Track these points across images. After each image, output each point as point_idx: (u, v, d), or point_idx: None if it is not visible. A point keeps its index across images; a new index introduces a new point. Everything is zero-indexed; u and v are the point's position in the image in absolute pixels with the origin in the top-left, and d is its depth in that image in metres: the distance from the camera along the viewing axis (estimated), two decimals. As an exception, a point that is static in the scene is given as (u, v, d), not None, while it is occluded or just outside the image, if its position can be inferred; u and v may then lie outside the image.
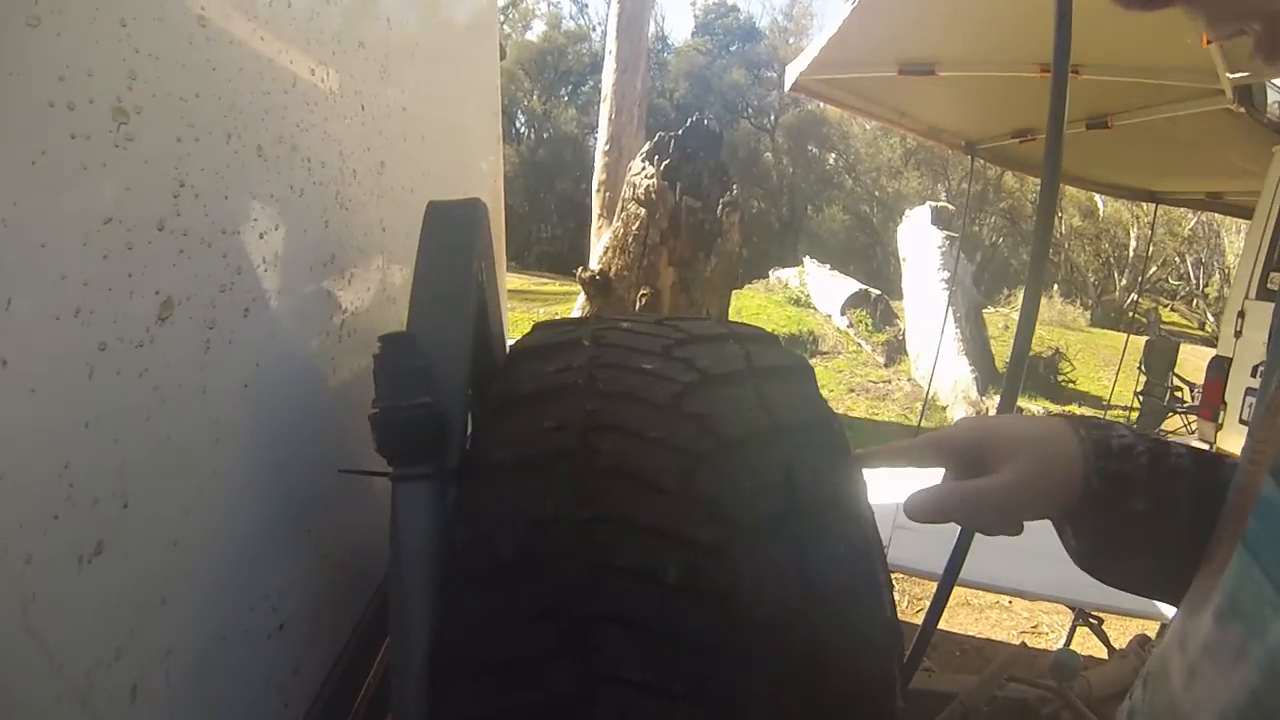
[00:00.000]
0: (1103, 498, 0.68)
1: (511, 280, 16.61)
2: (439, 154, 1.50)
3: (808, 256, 15.73)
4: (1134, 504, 0.68)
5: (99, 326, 0.60)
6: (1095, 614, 3.25)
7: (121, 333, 0.62)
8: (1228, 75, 3.49)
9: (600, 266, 5.84)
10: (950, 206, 11.75)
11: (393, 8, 1.24)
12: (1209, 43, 3.19)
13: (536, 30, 29.62)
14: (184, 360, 0.71)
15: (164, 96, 0.68)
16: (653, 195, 5.35)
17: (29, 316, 0.53)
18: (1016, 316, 2.22)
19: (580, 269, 6.03)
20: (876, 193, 26.66)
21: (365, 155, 1.12)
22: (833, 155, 28.29)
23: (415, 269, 0.89)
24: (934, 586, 2.40)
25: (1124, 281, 21.28)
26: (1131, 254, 20.57)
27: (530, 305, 12.45)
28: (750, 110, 28.52)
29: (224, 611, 0.79)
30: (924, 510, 0.70)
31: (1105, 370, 11.42)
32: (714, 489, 0.71)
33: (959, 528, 2.31)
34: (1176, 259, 20.12)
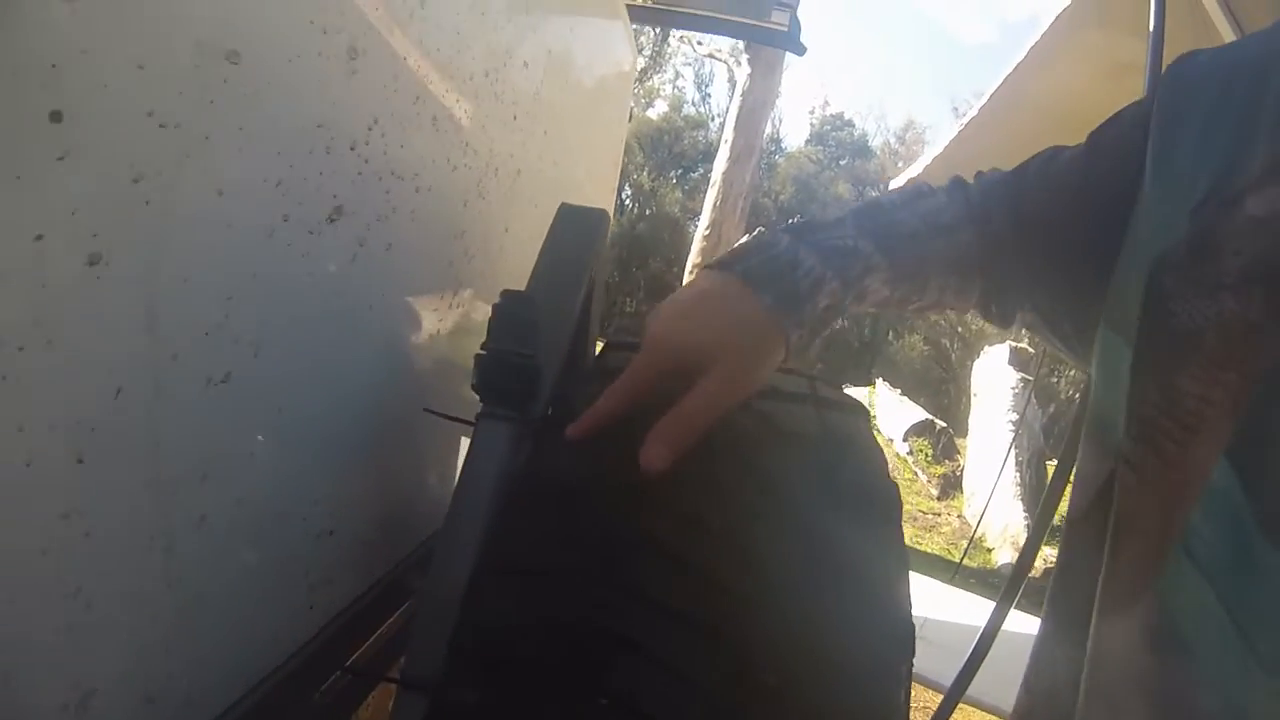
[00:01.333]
0: (808, 337, 0.69)
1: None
2: (566, 181, 1.65)
3: (880, 379, 15.67)
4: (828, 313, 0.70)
5: (286, 202, 0.73)
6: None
7: (302, 216, 0.76)
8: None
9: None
10: (1030, 349, 11.65)
11: (553, 43, 1.40)
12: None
13: (658, 109, 30.25)
14: (338, 258, 0.84)
15: (383, 48, 0.83)
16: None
17: (239, 174, 0.67)
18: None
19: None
20: (959, 329, 26.51)
21: (509, 160, 1.27)
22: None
23: (541, 251, 1.01)
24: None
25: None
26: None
27: (600, 370, 12.54)
28: (850, 226, 28.63)
29: (276, 509, 0.85)
30: (664, 449, 0.64)
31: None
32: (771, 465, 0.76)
33: (973, 647, 2.35)
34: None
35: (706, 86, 31.48)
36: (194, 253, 0.63)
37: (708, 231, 9.55)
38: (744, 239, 0.79)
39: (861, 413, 0.94)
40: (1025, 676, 0.80)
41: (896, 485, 0.80)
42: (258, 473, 0.79)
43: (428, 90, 0.95)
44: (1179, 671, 0.51)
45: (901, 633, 0.72)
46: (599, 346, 1.04)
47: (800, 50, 2.98)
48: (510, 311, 0.87)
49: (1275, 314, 0.48)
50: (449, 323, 1.17)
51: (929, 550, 9.24)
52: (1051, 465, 10.36)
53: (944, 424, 12.46)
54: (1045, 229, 0.74)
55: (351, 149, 0.82)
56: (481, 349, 0.87)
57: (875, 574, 0.75)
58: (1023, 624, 4.04)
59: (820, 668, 0.66)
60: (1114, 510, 0.58)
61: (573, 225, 1.05)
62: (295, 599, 0.92)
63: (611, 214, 2.36)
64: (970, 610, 3.74)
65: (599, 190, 2.09)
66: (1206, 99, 0.59)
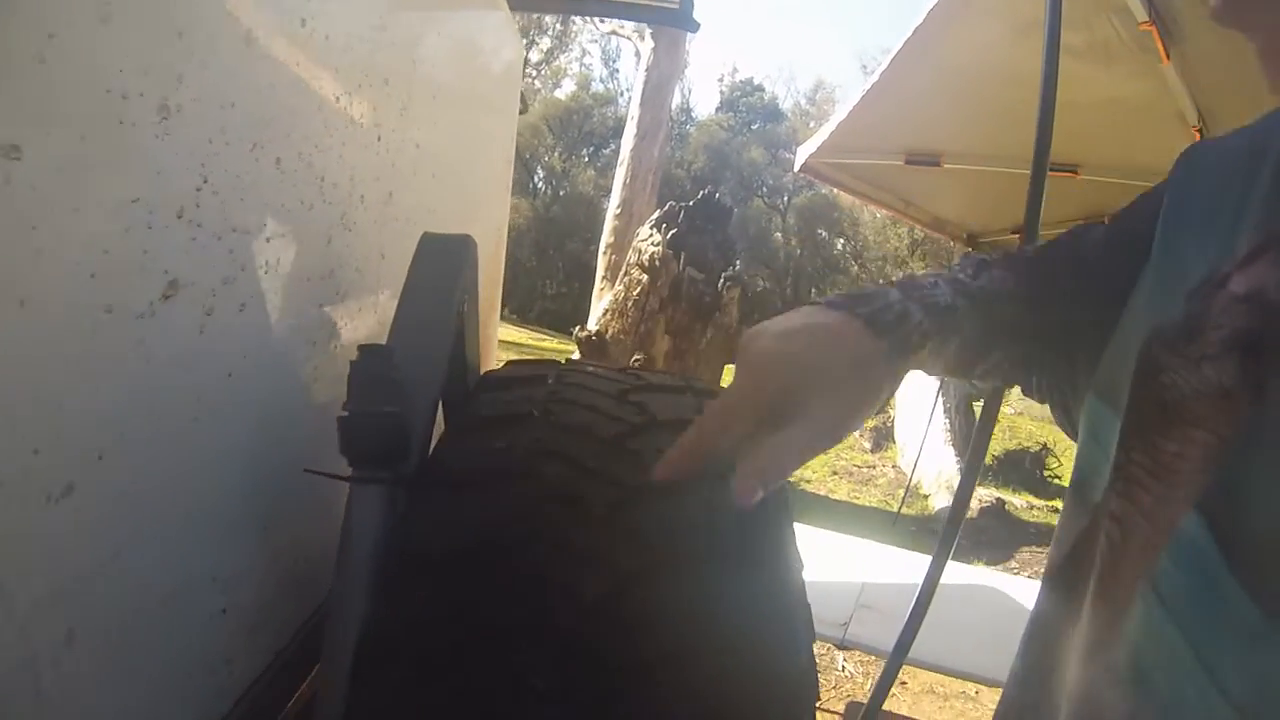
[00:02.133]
0: (902, 371, 0.68)
1: (511, 333, 16.69)
2: (447, 193, 1.58)
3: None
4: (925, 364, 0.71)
5: (108, 291, 0.66)
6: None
7: (129, 301, 0.69)
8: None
9: (598, 328, 5.92)
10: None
11: (420, 51, 1.32)
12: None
13: (566, 89, 30.14)
14: (179, 337, 0.78)
15: (202, 101, 0.76)
16: (656, 263, 5.45)
17: (48, 270, 0.60)
18: (1010, 410, 2.30)
19: (578, 328, 6.11)
20: (881, 280, 26.81)
21: (375, 184, 1.19)
22: (841, 240, 28.61)
23: (402, 291, 0.96)
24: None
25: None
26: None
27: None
28: (765, 189, 28.92)
29: (170, 582, 0.82)
30: (755, 487, 0.60)
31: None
32: (639, 522, 0.76)
33: (911, 609, 2.36)
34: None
35: (614, 62, 31.44)
36: (7, 370, 0.57)
37: (618, 210, 9.47)
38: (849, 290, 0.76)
39: None
40: (995, 715, 0.83)
41: None
42: (138, 564, 0.75)
43: (265, 133, 0.87)
44: (1147, 709, 0.54)
45: (793, 603, 0.78)
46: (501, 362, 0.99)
47: (693, 27, 2.94)
48: (368, 369, 0.81)
49: (1246, 380, 0.52)
50: (329, 370, 1.10)
51: (867, 503, 9.38)
52: (978, 406, 10.59)
53: (872, 378, 12.60)
54: (1063, 302, 0.77)
55: (179, 217, 0.75)
56: (343, 410, 0.81)
57: (762, 551, 0.77)
58: (962, 576, 4.11)
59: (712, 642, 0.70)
60: (1096, 562, 0.61)
61: (435, 258, 0.99)
62: (197, 685, 0.88)
63: (507, 214, 2.31)
64: (910, 568, 3.77)
65: (490, 191, 2.02)
66: (1207, 187, 0.64)
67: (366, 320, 1.23)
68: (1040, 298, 0.77)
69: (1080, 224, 0.84)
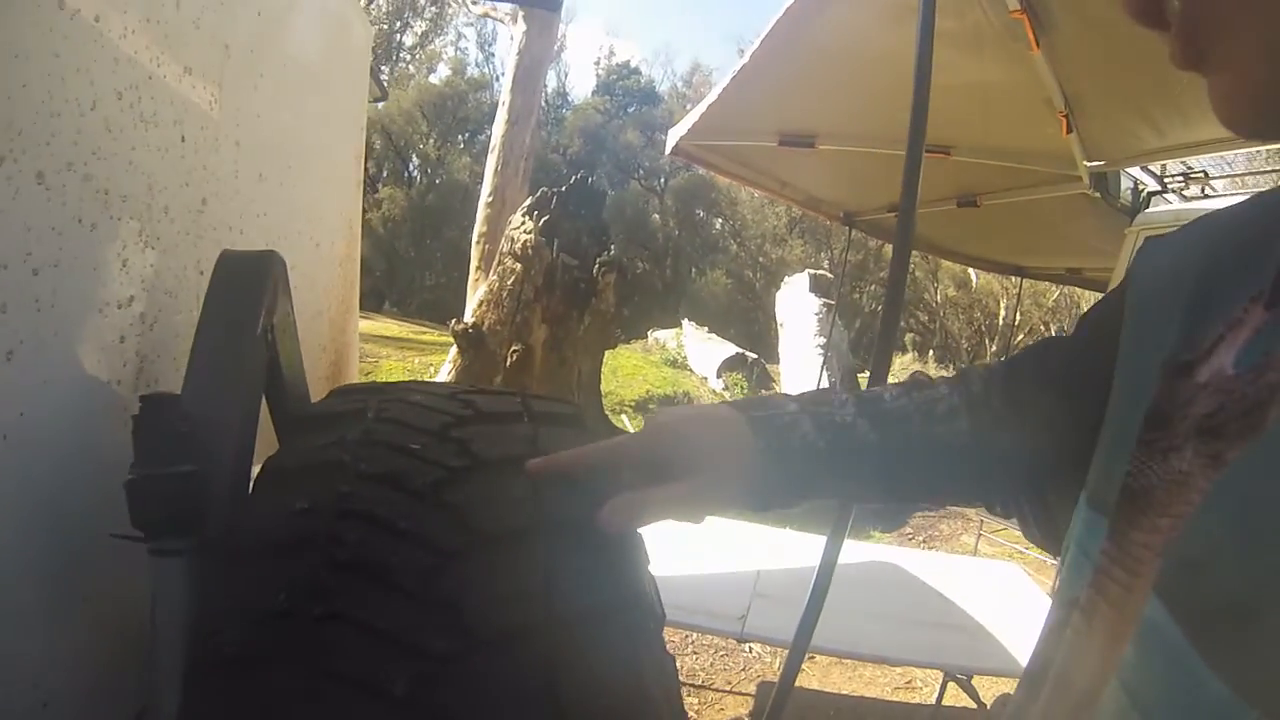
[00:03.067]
0: (781, 485, 0.77)
1: (391, 327, 16.33)
2: (280, 195, 1.42)
3: (686, 319, 15.93)
4: (819, 486, 0.80)
5: None
6: (963, 673, 3.31)
7: None
8: (1085, 163, 3.69)
9: (474, 320, 5.78)
10: (829, 274, 12.06)
11: (233, 34, 1.17)
12: (1068, 132, 3.36)
13: (440, 74, 29.59)
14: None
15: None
16: (529, 251, 5.33)
17: None
18: (890, 380, 2.28)
19: (454, 321, 5.95)
20: (760, 259, 27.28)
21: (183, 191, 1.04)
22: (719, 220, 28.93)
23: (198, 325, 0.82)
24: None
25: (994, 348, 22.29)
26: (1001, 323, 21.57)
27: (406, 354, 12.22)
28: (641, 172, 29.00)
29: None
30: (619, 519, 0.70)
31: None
32: (458, 593, 0.65)
33: (809, 596, 2.32)
34: (1041, 327, 21.18)
35: (489, 46, 31.00)
36: None
37: (490, 199, 9.27)
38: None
39: (575, 423, 0.91)
40: None
41: None
42: None
43: (18, 142, 0.72)
44: None
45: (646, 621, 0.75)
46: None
47: (554, 6, 2.84)
48: (153, 424, 0.69)
49: (1202, 465, 0.53)
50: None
51: (758, 481, 9.46)
52: (861, 378, 10.79)
53: (755, 355, 12.78)
54: (1035, 411, 0.80)
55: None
56: (130, 473, 0.68)
57: (595, 572, 0.73)
58: (858, 554, 4.12)
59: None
60: (1061, 656, 0.62)
61: (231, 281, 0.86)
62: None
63: (359, 210, 2.15)
64: (805, 551, 3.76)
65: (336, 189, 1.86)
66: (1175, 276, 0.65)
67: (187, 348, 1.08)
68: (1007, 417, 0.82)
69: (1035, 344, 0.90)
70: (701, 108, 4.27)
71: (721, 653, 4.89)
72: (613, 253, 5.44)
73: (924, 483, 0.85)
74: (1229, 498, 0.50)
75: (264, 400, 0.89)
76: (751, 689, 4.44)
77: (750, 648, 4.94)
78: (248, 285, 0.86)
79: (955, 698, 3.83)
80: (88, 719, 0.87)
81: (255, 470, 0.79)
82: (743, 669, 4.80)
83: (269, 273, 0.87)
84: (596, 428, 0.85)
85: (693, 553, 3.48)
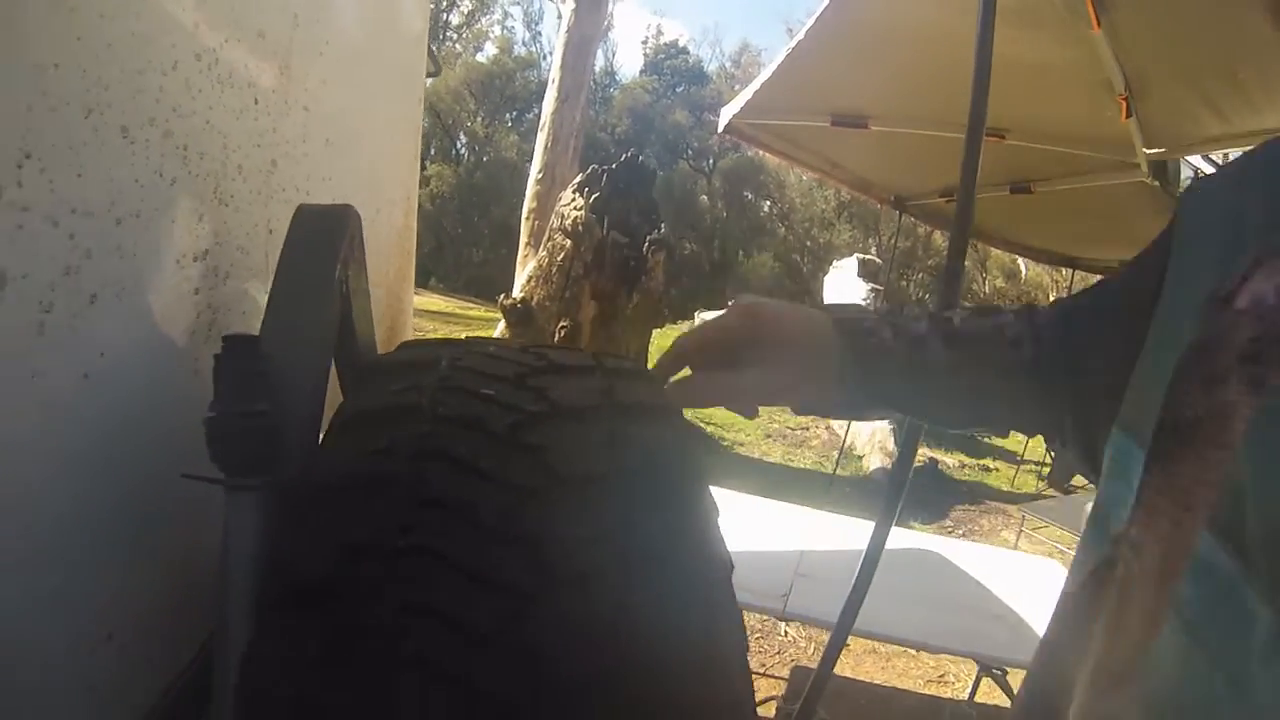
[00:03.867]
0: (853, 389, 0.80)
1: (438, 302, 16.47)
2: (344, 161, 1.46)
3: (733, 301, 15.88)
4: (889, 395, 0.82)
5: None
6: (998, 666, 3.29)
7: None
8: (1144, 150, 3.62)
9: (523, 295, 5.80)
10: (877, 260, 11.95)
11: (302, 3, 1.20)
12: (1128, 116, 3.30)
13: (487, 53, 29.68)
14: (12, 341, 0.67)
15: (15, 62, 0.64)
16: (580, 227, 5.34)
17: None
18: None
19: (503, 296, 5.99)
20: (808, 242, 27.11)
21: (255, 152, 1.07)
22: (768, 203, 28.76)
23: (275, 273, 0.85)
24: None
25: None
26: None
27: (452, 329, 12.34)
28: (690, 152, 28.88)
29: (41, 612, 0.73)
30: (682, 397, 0.79)
31: (1020, 427, 11.66)
32: (537, 532, 0.65)
33: (855, 579, 2.33)
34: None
35: (536, 25, 31.08)
36: None
37: (540, 175, 9.30)
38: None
39: (647, 378, 0.90)
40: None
41: (697, 437, 0.78)
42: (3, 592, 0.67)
43: (104, 96, 0.75)
44: None
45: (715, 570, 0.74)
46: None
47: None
48: (232, 364, 0.71)
49: (1245, 393, 0.53)
50: (210, 359, 0.99)
51: (801, 465, 9.46)
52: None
53: (802, 339, 12.69)
54: (1090, 342, 0.81)
55: (-3, 197, 0.63)
56: (209, 411, 0.71)
57: (669, 519, 0.72)
58: (899, 540, 4.11)
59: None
60: (1114, 591, 0.61)
61: (310, 232, 0.88)
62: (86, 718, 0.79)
63: (416, 182, 2.18)
64: (847, 534, 3.75)
65: (395, 159, 1.89)
66: (1215, 215, 0.66)
67: (257, 302, 1.11)
68: (1066, 348, 0.82)
69: (1096, 283, 0.89)
70: (755, 85, 4.26)
71: (758, 635, 4.91)
72: (662, 231, 5.43)
73: (985, 406, 0.87)
74: (1272, 424, 0.51)
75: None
76: (785, 673, 4.45)
77: (786, 631, 4.95)
78: (326, 236, 0.88)
79: (988, 694, 3.82)
80: (151, 651, 0.90)
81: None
82: (778, 652, 4.82)
83: (346, 226, 0.89)
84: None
85: (736, 530, 3.49)
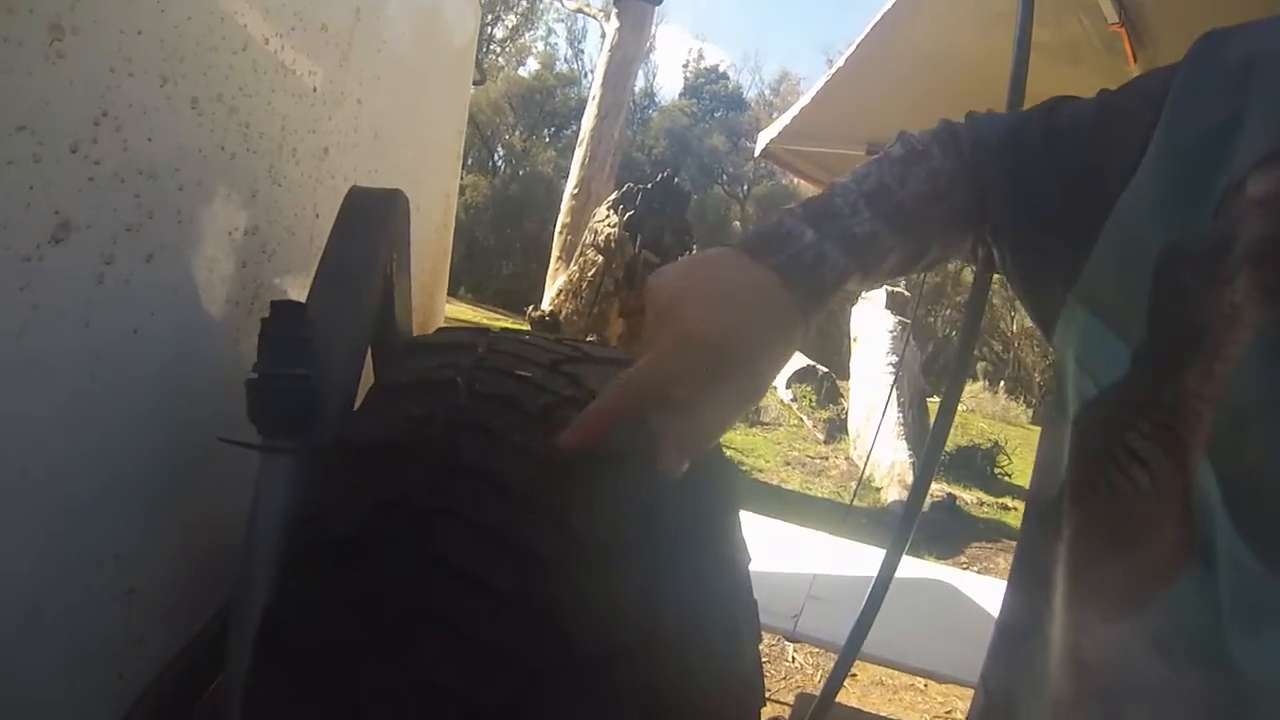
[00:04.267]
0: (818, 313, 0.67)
1: (466, 311, 16.54)
2: (391, 154, 1.50)
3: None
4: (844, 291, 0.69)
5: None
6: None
7: (10, 241, 0.61)
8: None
9: (551, 308, 5.82)
10: (906, 293, 11.92)
11: (364, 1, 1.24)
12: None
13: (530, 68, 29.90)
14: (71, 286, 0.70)
15: (103, 24, 0.68)
16: (612, 244, 5.36)
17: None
18: (962, 407, 2.27)
19: (531, 307, 6.01)
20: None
21: (309, 137, 1.11)
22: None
23: (325, 246, 0.89)
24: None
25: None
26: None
27: (481, 337, 12.37)
28: (725, 177, 28.91)
29: (64, 561, 0.76)
30: (682, 455, 0.61)
31: (1041, 470, 11.55)
32: (566, 504, 0.68)
33: (864, 602, 2.33)
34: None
35: (579, 43, 31.23)
36: None
37: (576, 190, 9.35)
38: (760, 226, 0.71)
39: None
40: (982, 674, 0.76)
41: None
42: (30, 540, 0.70)
43: (179, 67, 0.79)
44: (1199, 681, 0.48)
45: (736, 588, 0.75)
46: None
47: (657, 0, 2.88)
48: (279, 328, 0.74)
49: (1255, 298, 0.47)
50: (250, 331, 1.02)
51: (819, 494, 9.41)
52: (930, 402, 10.66)
53: (825, 369, 12.68)
54: (1041, 190, 0.70)
55: (73, 151, 0.67)
56: (252, 372, 0.74)
57: (704, 539, 0.73)
58: (913, 570, 4.10)
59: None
60: (1119, 510, 0.55)
61: (362, 213, 0.92)
62: (101, 670, 0.82)
63: (456, 185, 2.22)
64: (861, 561, 3.75)
65: (439, 158, 1.93)
66: (1225, 87, 0.56)
67: (298, 282, 1.15)
68: (997, 186, 0.73)
69: (1047, 102, 0.78)
70: (794, 110, 4.28)
71: (764, 660, 4.88)
72: (694, 253, 5.43)
73: (929, 257, 0.77)
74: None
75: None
76: (790, 699, 4.43)
77: (794, 657, 4.93)
78: (376, 216, 0.92)
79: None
80: (173, 608, 0.93)
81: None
82: (784, 678, 4.78)
83: (395, 209, 0.93)
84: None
85: (750, 548, 3.49)
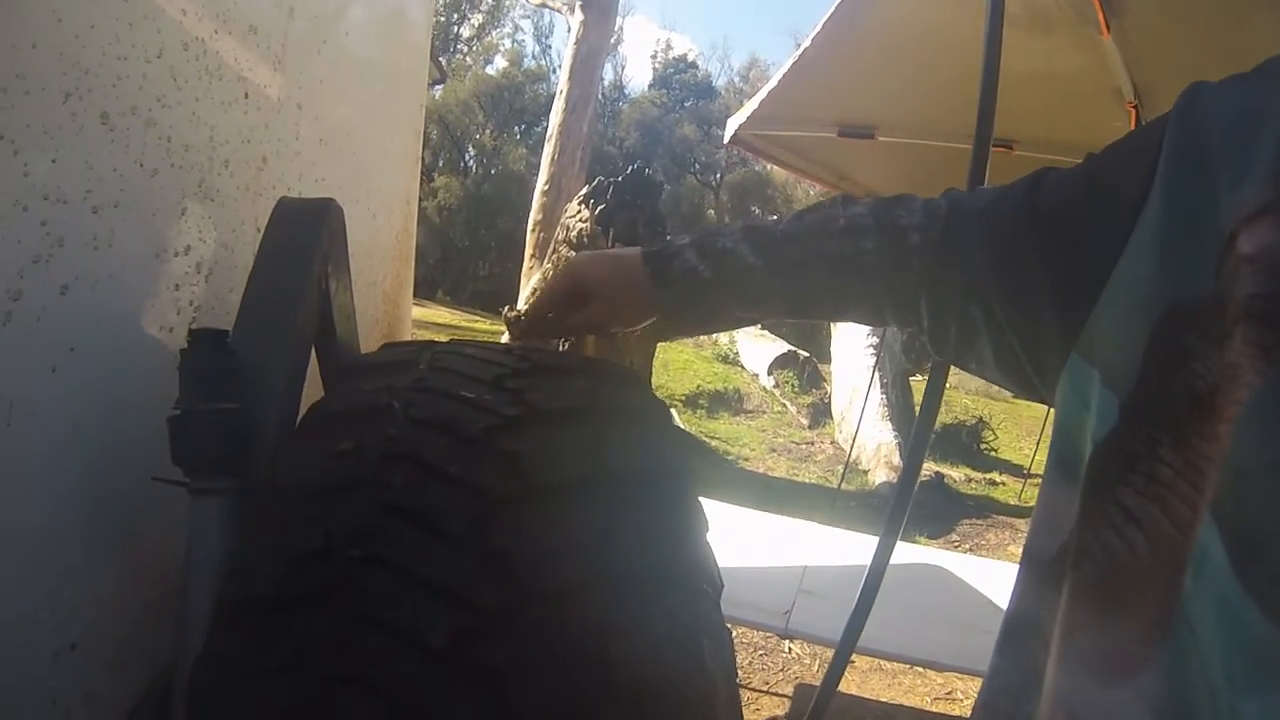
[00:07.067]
0: (678, 308, 0.86)
1: (444, 315, 16.46)
2: (340, 162, 1.43)
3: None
4: (713, 307, 0.87)
5: None
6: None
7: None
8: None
9: (527, 307, 5.78)
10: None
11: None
12: (1136, 125, 3.26)
13: (497, 65, 29.76)
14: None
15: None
16: (584, 239, 5.31)
17: None
18: (946, 384, 2.23)
19: (506, 308, 5.96)
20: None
21: (243, 147, 1.05)
22: (775, 217, 28.68)
23: (252, 268, 0.82)
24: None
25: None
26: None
27: (459, 340, 12.30)
28: (697, 166, 28.88)
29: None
30: (536, 330, 0.98)
31: (1027, 440, 11.61)
32: (508, 543, 0.62)
33: (859, 596, 2.29)
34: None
35: (546, 38, 31.12)
36: None
37: (546, 187, 9.26)
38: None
39: (634, 380, 0.92)
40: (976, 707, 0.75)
41: (682, 440, 0.89)
42: None
43: (84, 81, 0.73)
44: None
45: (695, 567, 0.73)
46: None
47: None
48: (200, 359, 0.68)
49: (1252, 356, 0.47)
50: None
51: (806, 480, 9.40)
52: (913, 382, 10.68)
53: (806, 354, 12.68)
54: (1030, 257, 0.69)
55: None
56: (174, 408, 0.68)
57: (656, 531, 0.70)
58: (906, 555, 4.06)
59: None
60: (1114, 568, 0.54)
61: (291, 226, 0.85)
62: None
63: (416, 188, 2.15)
64: (852, 549, 3.70)
65: (395, 163, 1.87)
66: (1215, 143, 0.55)
67: (238, 299, 1.09)
68: (977, 252, 0.73)
69: (1028, 175, 0.75)
70: (761, 95, 4.22)
71: (761, 652, 4.85)
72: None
73: (819, 298, 0.86)
74: None
75: (314, 351, 0.90)
76: (789, 690, 4.39)
77: (790, 648, 4.90)
78: (304, 230, 0.86)
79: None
80: (122, 659, 0.87)
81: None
82: (781, 669, 4.76)
83: (326, 220, 0.87)
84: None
85: (738, 546, 3.44)
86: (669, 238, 0.90)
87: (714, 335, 15.64)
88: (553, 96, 10.66)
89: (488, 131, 27.81)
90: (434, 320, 14.77)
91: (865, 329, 10.73)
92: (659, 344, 6.07)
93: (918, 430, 2.30)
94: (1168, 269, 0.55)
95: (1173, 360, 0.53)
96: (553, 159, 9.37)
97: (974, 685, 4.47)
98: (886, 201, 0.82)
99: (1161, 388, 0.54)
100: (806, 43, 3.59)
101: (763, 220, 0.91)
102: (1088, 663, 0.55)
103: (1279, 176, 0.50)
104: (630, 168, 5.53)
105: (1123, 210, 0.60)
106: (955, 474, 9.60)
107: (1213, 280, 0.52)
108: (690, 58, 32.96)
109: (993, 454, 10.77)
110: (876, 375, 9.21)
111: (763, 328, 15.02)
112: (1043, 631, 0.62)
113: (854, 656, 4.42)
